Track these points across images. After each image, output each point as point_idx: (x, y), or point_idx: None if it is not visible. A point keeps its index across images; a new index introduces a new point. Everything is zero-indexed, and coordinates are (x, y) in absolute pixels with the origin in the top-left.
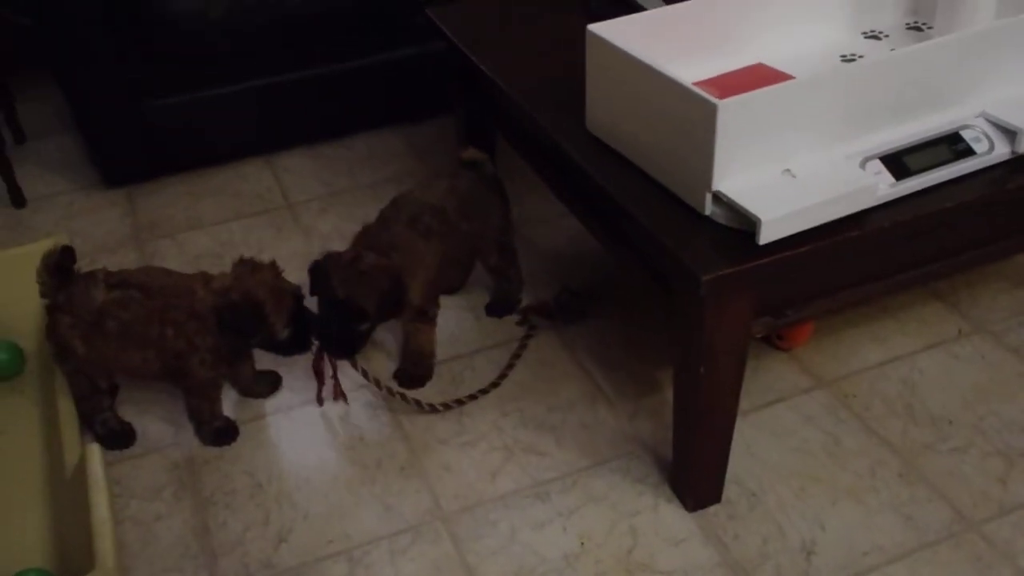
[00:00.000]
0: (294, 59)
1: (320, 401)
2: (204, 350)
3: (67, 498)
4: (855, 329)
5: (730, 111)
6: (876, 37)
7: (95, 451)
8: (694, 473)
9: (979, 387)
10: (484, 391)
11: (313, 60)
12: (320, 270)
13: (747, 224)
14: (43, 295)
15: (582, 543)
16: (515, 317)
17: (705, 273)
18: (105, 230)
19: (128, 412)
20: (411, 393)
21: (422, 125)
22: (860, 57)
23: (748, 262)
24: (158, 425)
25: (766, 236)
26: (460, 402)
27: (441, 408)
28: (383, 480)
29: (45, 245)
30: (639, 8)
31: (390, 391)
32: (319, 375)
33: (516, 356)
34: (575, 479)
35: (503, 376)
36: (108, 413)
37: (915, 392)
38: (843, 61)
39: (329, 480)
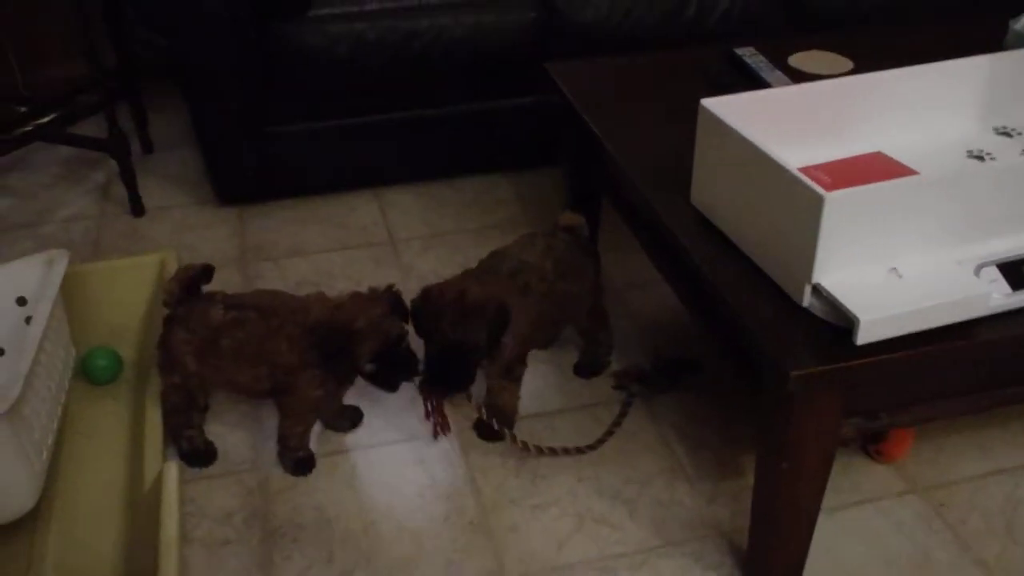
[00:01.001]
0: (412, 98)
1: (436, 436)
2: (314, 366)
3: (141, 511)
4: (958, 435)
5: (837, 204)
6: (1008, 134)
7: (173, 470)
8: (769, 568)
9: None
10: (581, 450)
11: (430, 101)
12: (423, 314)
13: (845, 321)
14: (166, 304)
15: None
16: (609, 380)
17: (795, 368)
18: (213, 247)
19: (212, 431)
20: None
21: (532, 174)
22: (988, 154)
23: (842, 361)
24: (240, 448)
25: (864, 337)
26: (554, 452)
27: (550, 453)
28: (449, 534)
29: (153, 259)
30: (765, 85)
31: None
32: (436, 416)
33: (616, 424)
34: (644, 558)
35: (602, 441)
36: (195, 430)
37: (1018, 510)
38: (969, 157)
39: (396, 526)
